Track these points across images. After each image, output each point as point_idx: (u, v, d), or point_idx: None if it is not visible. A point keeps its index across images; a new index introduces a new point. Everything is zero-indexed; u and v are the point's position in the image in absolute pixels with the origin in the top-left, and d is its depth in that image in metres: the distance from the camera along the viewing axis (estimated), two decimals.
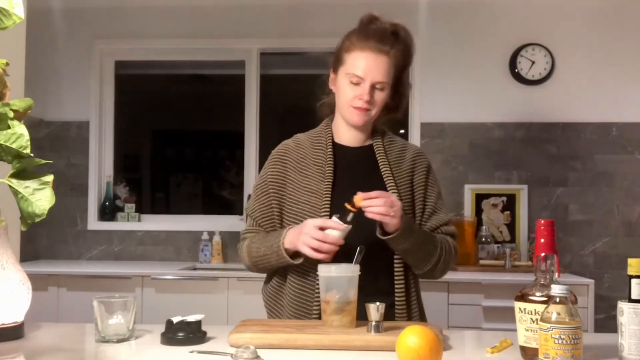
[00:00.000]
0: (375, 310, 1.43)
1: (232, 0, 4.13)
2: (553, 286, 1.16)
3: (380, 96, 1.73)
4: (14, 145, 1.32)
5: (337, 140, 1.84)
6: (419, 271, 1.77)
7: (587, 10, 3.98)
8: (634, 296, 1.23)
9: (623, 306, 1.23)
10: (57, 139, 4.19)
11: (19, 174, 1.34)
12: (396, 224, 1.61)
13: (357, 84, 1.72)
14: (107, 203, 4.20)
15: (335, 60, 1.80)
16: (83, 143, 4.20)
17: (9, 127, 1.33)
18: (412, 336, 1.18)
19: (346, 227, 1.59)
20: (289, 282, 1.77)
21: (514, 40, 3.99)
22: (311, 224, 1.61)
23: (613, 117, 3.93)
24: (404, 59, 1.77)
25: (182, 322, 1.42)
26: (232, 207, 5.72)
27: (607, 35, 3.95)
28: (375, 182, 1.76)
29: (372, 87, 1.71)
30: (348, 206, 1.60)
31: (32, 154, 1.34)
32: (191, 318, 1.44)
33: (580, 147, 3.94)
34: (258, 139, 4.24)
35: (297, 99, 5.60)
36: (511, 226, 3.93)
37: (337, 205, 1.68)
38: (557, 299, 1.15)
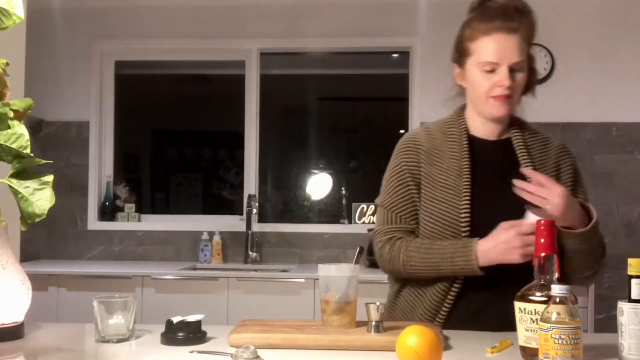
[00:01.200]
0: (375, 310, 1.43)
1: (232, 0, 4.13)
2: (553, 286, 1.16)
3: (520, 78, 1.59)
4: (14, 145, 1.32)
5: (472, 132, 1.68)
6: (578, 276, 1.60)
7: (587, 10, 3.98)
8: (634, 296, 1.23)
9: (623, 306, 1.23)
10: (57, 139, 4.19)
11: (19, 174, 1.34)
12: (572, 217, 1.46)
13: (492, 70, 1.58)
14: (107, 203, 4.20)
15: (458, 52, 1.67)
16: (83, 143, 4.20)
17: (9, 127, 1.33)
18: (412, 336, 1.18)
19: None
20: (423, 286, 1.65)
21: None
22: (512, 234, 1.47)
23: (613, 117, 3.93)
24: (532, 33, 1.62)
25: (182, 322, 1.42)
26: (232, 207, 5.72)
27: (607, 36, 3.95)
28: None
29: (511, 71, 1.57)
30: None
31: (32, 154, 1.34)
32: (191, 318, 1.43)
33: (580, 147, 3.93)
34: (258, 139, 4.24)
35: (297, 99, 5.63)
36: None
37: (477, 204, 1.57)
38: (557, 299, 1.15)
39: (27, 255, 3.90)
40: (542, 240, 1.29)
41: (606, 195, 3.91)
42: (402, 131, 4.23)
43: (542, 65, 3.94)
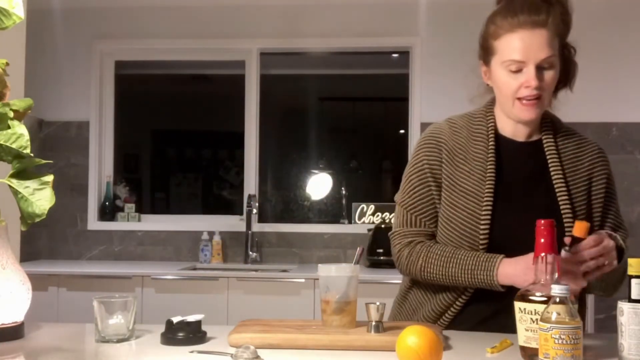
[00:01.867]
0: (375, 310, 1.43)
1: (232, 0, 4.13)
2: (553, 286, 1.16)
3: (550, 76, 1.47)
4: (14, 145, 1.32)
5: (501, 131, 1.57)
6: (603, 294, 1.55)
7: (587, 11, 3.98)
8: (634, 296, 1.23)
9: (623, 306, 1.23)
10: (57, 139, 4.19)
11: (19, 174, 1.34)
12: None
13: (518, 70, 1.46)
14: (107, 203, 4.20)
15: (483, 51, 1.56)
16: (83, 143, 4.20)
17: (9, 127, 1.33)
18: (412, 336, 1.18)
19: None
20: (431, 288, 1.61)
21: None
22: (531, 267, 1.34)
23: (613, 117, 3.93)
24: (565, 23, 1.49)
25: (182, 322, 1.42)
26: (232, 207, 5.72)
27: (607, 35, 3.95)
28: (545, 187, 1.52)
29: (539, 69, 1.45)
30: (575, 234, 1.34)
31: (32, 154, 1.34)
32: (191, 318, 1.43)
33: None
34: (258, 139, 4.24)
35: (297, 99, 5.63)
36: None
37: (499, 212, 1.48)
38: (557, 299, 1.15)
39: (27, 255, 3.90)
40: (542, 240, 1.29)
41: None
42: (402, 131, 4.23)
43: None
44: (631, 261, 1.24)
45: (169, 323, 1.43)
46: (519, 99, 1.49)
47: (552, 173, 1.53)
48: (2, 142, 1.31)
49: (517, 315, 1.29)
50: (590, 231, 1.42)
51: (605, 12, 3.96)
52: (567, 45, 1.54)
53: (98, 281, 3.53)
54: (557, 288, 1.16)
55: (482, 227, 1.50)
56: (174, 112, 6.32)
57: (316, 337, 1.40)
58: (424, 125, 4.01)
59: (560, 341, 1.12)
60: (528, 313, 1.26)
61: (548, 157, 1.55)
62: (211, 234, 4.05)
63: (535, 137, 1.59)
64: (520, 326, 1.29)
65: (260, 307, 3.43)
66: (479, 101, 1.65)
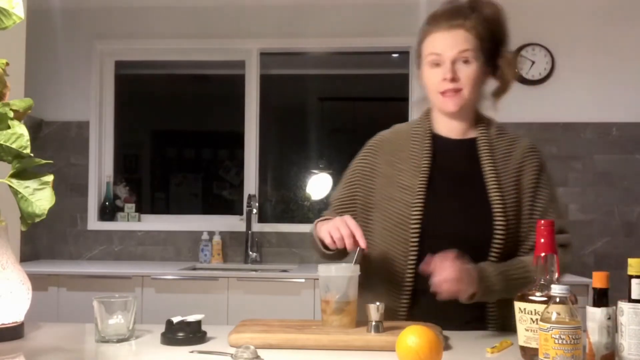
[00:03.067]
0: (375, 310, 1.43)
1: (232, 0, 4.13)
2: (553, 286, 1.16)
3: (467, 71, 1.58)
4: (14, 145, 1.32)
5: (437, 131, 1.68)
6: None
7: (587, 10, 3.99)
8: (634, 296, 1.23)
9: (623, 306, 1.23)
10: (57, 139, 4.19)
11: (19, 174, 1.34)
12: (472, 289, 1.47)
13: (437, 64, 1.59)
14: (107, 203, 4.21)
15: (417, 56, 1.69)
16: (83, 143, 4.20)
17: (9, 127, 1.33)
18: (412, 336, 1.18)
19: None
20: (374, 287, 1.65)
21: (514, 40, 3.93)
22: (349, 218, 1.50)
23: (613, 117, 3.93)
24: (488, 28, 1.61)
25: (182, 322, 1.42)
26: (232, 207, 5.72)
27: (607, 35, 3.95)
28: (476, 181, 1.61)
29: (455, 63, 1.58)
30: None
31: (32, 154, 1.34)
32: (191, 318, 1.43)
33: (580, 147, 3.94)
34: (258, 139, 4.24)
35: (297, 99, 5.63)
36: None
37: (431, 204, 1.58)
38: (557, 299, 1.15)
39: (27, 255, 3.90)
40: (542, 240, 1.29)
41: (606, 195, 3.91)
42: None
43: (542, 65, 3.94)
44: (631, 261, 1.24)
45: (169, 323, 1.43)
46: (441, 92, 1.60)
47: (483, 168, 1.62)
48: (2, 142, 1.31)
49: (517, 315, 1.29)
50: (518, 225, 1.58)
51: (605, 12, 3.96)
52: (500, 53, 1.66)
53: (98, 281, 3.53)
54: (557, 288, 1.16)
55: (413, 216, 1.58)
56: (174, 112, 6.32)
57: (316, 337, 1.40)
58: None
59: (560, 341, 1.12)
60: (528, 313, 1.27)
61: (481, 153, 1.64)
62: (211, 234, 4.05)
63: (470, 135, 1.68)
64: (520, 326, 1.29)
65: (260, 307, 3.43)
66: (422, 105, 1.75)
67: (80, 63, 4.22)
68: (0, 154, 1.33)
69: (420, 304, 1.62)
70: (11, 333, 1.43)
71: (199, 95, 5.95)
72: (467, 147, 1.66)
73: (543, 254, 1.28)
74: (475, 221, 1.59)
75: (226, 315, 3.44)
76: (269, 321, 1.64)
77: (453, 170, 1.65)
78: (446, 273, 1.45)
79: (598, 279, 1.27)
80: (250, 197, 4.05)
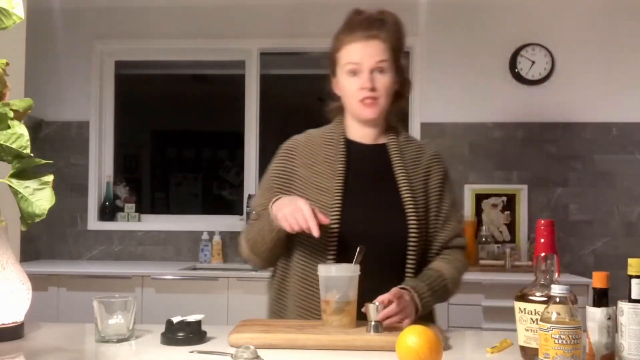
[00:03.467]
0: (374, 310, 1.43)
1: (232, 0, 4.13)
2: (553, 286, 1.16)
3: (383, 81, 1.67)
4: (14, 145, 1.32)
5: (350, 137, 1.76)
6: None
7: (587, 10, 3.99)
8: (634, 296, 1.23)
9: (623, 306, 1.24)
10: (57, 139, 4.19)
11: (19, 174, 1.34)
12: (414, 313, 1.55)
13: (355, 73, 1.67)
14: (107, 203, 4.20)
15: (330, 64, 1.76)
16: (83, 143, 4.20)
17: (9, 127, 1.33)
18: (412, 336, 1.18)
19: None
20: (294, 284, 1.72)
21: (514, 40, 3.99)
22: (304, 204, 1.52)
23: (613, 117, 3.93)
24: (398, 40, 1.72)
25: (182, 322, 1.42)
26: (232, 207, 5.73)
27: (607, 35, 3.95)
28: (388, 183, 1.70)
29: (372, 72, 1.66)
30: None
31: (32, 154, 1.34)
32: (191, 318, 1.44)
33: (580, 147, 3.94)
34: (258, 139, 4.24)
35: (297, 99, 5.63)
36: (511, 226, 3.93)
37: (347, 204, 1.64)
38: (557, 299, 1.15)
39: (27, 255, 3.90)
40: (542, 240, 1.29)
41: (606, 195, 3.91)
42: None
43: (542, 65, 3.94)
44: (631, 261, 1.24)
45: (169, 323, 1.43)
46: (360, 101, 1.68)
47: (395, 171, 1.72)
48: (2, 142, 1.31)
49: (517, 315, 1.29)
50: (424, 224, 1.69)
51: (606, 12, 3.96)
52: (402, 66, 1.76)
53: (98, 281, 3.53)
54: (557, 288, 1.16)
55: (333, 214, 1.63)
56: (174, 112, 6.32)
57: (316, 337, 1.40)
58: (424, 125, 4.02)
59: (560, 341, 1.12)
60: (528, 313, 1.27)
61: (392, 158, 1.74)
62: (211, 234, 4.05)
63: (381, 141, 1.77)
64: (520, 326, 1.29)
65: (260, 307, 3.41)
66: (335, 113, 1.82)
67: (80, 63, 4.22)
68: (0, 154, 1.33)
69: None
70: (11, 333, 1.43)
71: (199, 95, 5.95)
72: (379, 151, 1.76)
73: (543, 254, 1.28)
74: (390, 220, 1.67)
75: (226, 315, 3.44)
76: (269, 321, 1.64)
77: (367, 173, 1.74)
78: (393, 319, 1.48)
79: (598, 279, 1.27)
80: (250, 197, 4.05)
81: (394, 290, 1.52)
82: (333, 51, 1.74)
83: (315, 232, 1.49)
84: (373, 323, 1.43)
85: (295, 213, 1.51)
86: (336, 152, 1.73)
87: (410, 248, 1.66)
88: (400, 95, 1.77)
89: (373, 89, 1.66)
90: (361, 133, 1.76)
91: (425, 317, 1.61)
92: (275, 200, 1.61)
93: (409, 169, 1.73)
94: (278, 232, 1.61)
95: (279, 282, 1.78)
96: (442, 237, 1.74)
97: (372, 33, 1.67)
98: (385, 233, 1.65)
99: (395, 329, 1.42)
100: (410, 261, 1.66)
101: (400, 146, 1.76)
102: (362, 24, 1.70)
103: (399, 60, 1.73)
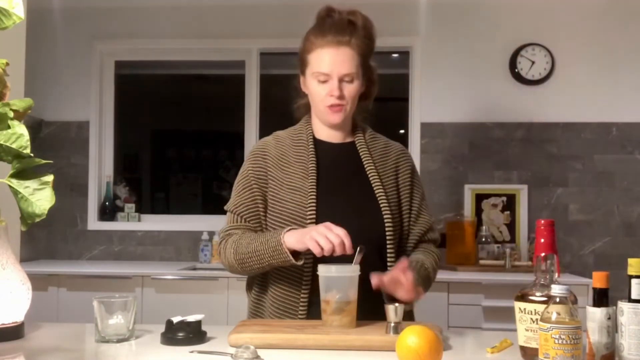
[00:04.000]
0: (393, 311, 1.42)
1: (232, 0, 4.13)
2: (553, 286, 1.17)
3: (351, 89, 1.70)
4: (14, 145, 1.32)
5: (318, 136, 1.79)
6: None
7: (587, 11, 3.98)
8: (634, 296, 1.23)
9: (623, 306, 1.24)
10: (57, 139, 4.19)
11: (19, 174, 1.34)
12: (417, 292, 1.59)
13: (325, 81, 1.69)
14: (107, 203, 4.20)
15: (300, 63, 1.77)
16: (83, 143, 4.20)
17: (9, 127, 1.33)
18: (412, 336, 1.18)
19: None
20: (271, 286, 1.71)
21: (514, 40, 3.99)
22: (334, 226, 1.54)
23: (613, 117, 3.93)
24: (368, 45, 1.75)
25: (182, 322, 1.42)
26: None
27: (607, 36, 3.95)
28: (360, 180, 1.73)
29: (341, 81, 1.69)
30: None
31: (32, 154, 1.34)
32: (191, 318, 1.44)
33: (580, 147, 3.94)
34: (258, 139, 4.24)
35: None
36: (511, 226, 3.93)
37: (323, 203, 1.66)
38: (557, 299, 1.15)
39: (27, 255, 3.90)
40: (542, 240, 1.29)
41: (606, 195, 3.91)
42: (402, 131, 4.23)
43: (542, 65, 3.94)
44: (631, 261, 1.24)
45: (169, 323, 1.43)
46: (327, 106, 1.71)
47: (366, 168, 1.75)
48: (2, 142, 1.31)
49: (517, 315, 1.29)
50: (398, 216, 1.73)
51: (605, 12, 3.96)
52: (371, 67, 1.81)
53: (98, 281, 3.53)
54: (557, 288, 1.16)
55: (308, 216, 1.66)
56: (174, 112, 6.32)
57: (316, 337, 1.40)
58: (424, 125, 4.01)
59: (560, 341, 1.12)
60: (528, 313, 1.27)
61: (361, 155, 1.78)
62: (211, 234, 4.05)
63: (348, 140, 1.81)
64: (520, 326, 1.29)
65: None
66: (303, 110, 1.85)
67: (80, 63, 4.21)
68: (0, 154, 1.33)
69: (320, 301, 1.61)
70: (11, 333, 1.43)
71: (199, 95, 5.95)
72: (347, 149, 1.79)
73: (543, 254, 1.28)
74: (366, 216, 1.70)
75: (226, 315, 3.44)
76: (269, 321, 1.64)
77: (338, 171, 1.76)
78: (406, 285, 1.53)
79: (598, 279, 1.27)
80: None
81: (400, 264, 1.56)
82: (303, 51, 1.76)
83: (349, 250, 1.51)
84: (392, 324, 1.42)
85: (326, 233, 1.50)
86: (307, 152, 1.75)
87: (389, 242, 1.69)
88: (365, 96, 1.81)
89: (341, 97, 1.69)
90: (329, 133, 1.79)
91: (405, 316, 1.59)
92: (287, 231, 1.59)
93: (378, 165, 1.77)
94: (285, 262, 1.60)
95: (257, 283, 1.78)
96: (416, 231, 1.78)
97: (342, 39, 1.69)
98: (363, 229, 1.64)
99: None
100: (390, 255, 1.69)
101: (368, 144, 1.80)
102: (333, 27, 1.71)
103: (367, 63, 1.76)
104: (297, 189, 1.70)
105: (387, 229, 1.69)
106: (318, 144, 1.78)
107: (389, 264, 1.68)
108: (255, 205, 1.74)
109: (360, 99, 1.78)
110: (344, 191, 1.73)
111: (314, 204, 1.67)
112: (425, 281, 1.68)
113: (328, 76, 1.69)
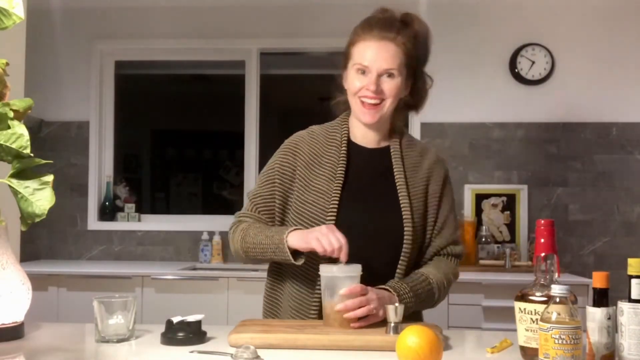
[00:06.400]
0: (393, 311, 1.42)
1: (232, 0, 4.13)
2: (553, 286, 1.17)
3: (390, 85, 1.65)
4: (14, 145, 1.32)
5: (353, 138, 1.75)
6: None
7: (587, 10, 3.98)
8: (634, 296, 1.23)
9: (623, 306, 1.24)
10: (57, 139, 4.19)
11: (19, 174, 1.34)
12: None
13: (363, 73, 1.65)
14: (107, 203, 4.20)
15: (344, 56, 1.73)
16: (83, 143, 4.20)
17: (9, 127, 1.33)
18: (412, 336, 1.18)
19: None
20: (288, 283, 1.73)
21: (514, 40, 3.98)
22: (338, 232, 1.53)
23: (613, 117, 3.93)
24: (416, 47, 1.69)
25: (182, 322, 1.42)
26: (232, 207, 5.72)
27: (607, 35, 3.95)
28: (387, 188, 1.70)
29: (380, 76, 1.64)
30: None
31: (32, 154, 1.34)
32: (191, 318, 1.44)
33: (580, 147, 3.94)
34: (258, 139, 4.24)
35: (297, 99, 5.63)
36: (511, 226, 3.93)
37: (344, 208, 1.64)
38: (557, 299, 1.15)
39: (27, 255, 3.90)
40: (542, 240, 1.29)
41: (606, 195, 3.91)
42: None
43: (542, 65, 3.94)
44: (631, 261, 1.24)
45: (169, 323, 1.43)
46: (362, 101, 1.66)
47: (395, 176, 1.70)
48: (2, 142, 1.31)
49: (517, 315, 1.29)
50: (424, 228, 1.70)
51: (605, 12, 3.96)
52: (423, 76, 1.76)
53: (98, 281, 3.53)
54: (557, 288, 1.16)
55: (328, 221, 1.63)
56: (174, 112, 6.32)
57: (316, 337, 1.40)
58: (424, 125, 4.01)
59: (560, 341, 1.12)
60: (528, 313, 1.27)
61: (393, 162, 1.73)
62: (211, 234, 4.05)
63: (383, 144, 1.76)
64: (520, 326, 1.29)
65: (260, 307, 3.41)
66: (342, 107, 1.79)
67: (80, 63, 4.21)
68: (0, 154, 1.33)
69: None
70: (11, 333, 1.43)
71: (199, 95, 5.95)
72: (380, 156, 1.74)
73: (543, 254, 1.28)
74: (385, 226, 1.66)
75: (226, 315, 3.44)
76: (269, 321, 1.64)
77: (367, 176, 1.72)
78: (359, 312, 1.48)
79: (598, 279, 1.27)
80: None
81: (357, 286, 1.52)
82: (348, 44, 1.72)
83: (344, 258, 1.50)
84: (392, 324, 1.42)
85: (329, 235, 1.51)
86: (338, 154, 1.71)
87: (404, 253, 1.65)
88: (411, 106, 1.77)
89: (376, 92, 1.64)
90: (364, 135, 1.74)
91: (411, 317, 1.61)
92: (291, 231, 1.59)
93: (409, 174, 1.72)
94: (286, 261, 1.60)
95: (273, 282, 1.79)
96: (436, 243, 1.73)
97: (388, 35, 1.64)
98: (380, 237, 1.64)
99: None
100: (400, 265, 1.66)
101: (402, 150, 1.75)
102: (380, 23, 1.67)
103: (414, 67, 1.71)
104: (322, 191, 1.67)
105: (405, 240, 1.65)
106: (351, 146, 1.74)
107: (396, 273, 1.65)
108: (272, 200, 1.72)
109: (409, 108, 1.76)
110: (368, 198, 1.70)
111: (335, 208, 1.64)
112: (425, 296, 1.65)
113: (367, 69, 1.64)
